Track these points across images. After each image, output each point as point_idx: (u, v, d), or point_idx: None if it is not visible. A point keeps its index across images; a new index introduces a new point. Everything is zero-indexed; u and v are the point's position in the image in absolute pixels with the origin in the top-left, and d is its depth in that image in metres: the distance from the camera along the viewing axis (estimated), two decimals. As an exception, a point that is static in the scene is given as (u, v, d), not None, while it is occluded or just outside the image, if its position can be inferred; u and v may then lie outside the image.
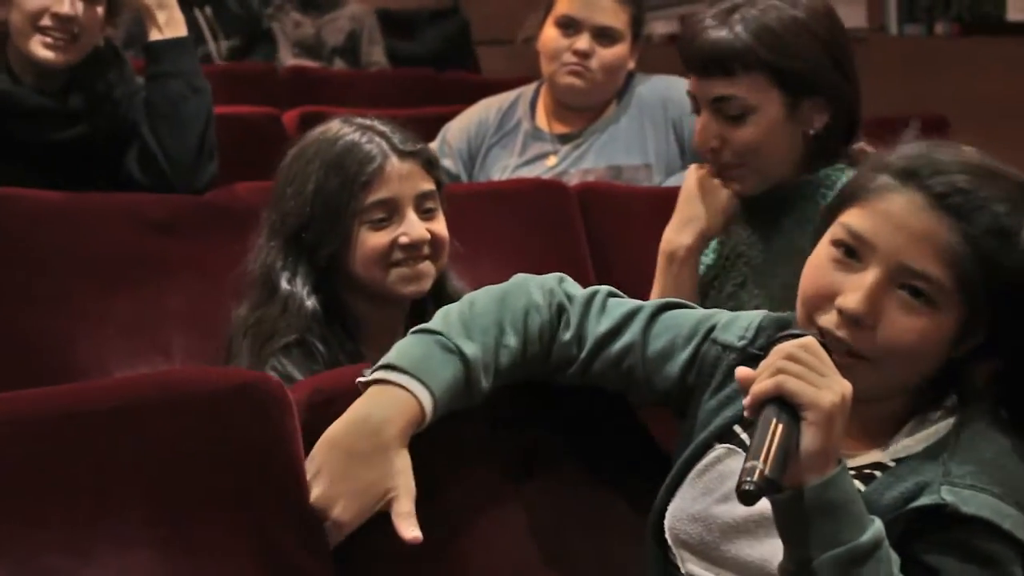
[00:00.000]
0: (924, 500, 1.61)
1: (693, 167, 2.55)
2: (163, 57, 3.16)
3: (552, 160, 3.74)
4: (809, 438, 1.53)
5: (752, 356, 1.81)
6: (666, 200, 2.69)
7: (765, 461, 1.49)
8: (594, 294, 1.99)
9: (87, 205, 2.98)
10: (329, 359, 2.36)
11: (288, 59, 6.85)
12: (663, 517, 1.86)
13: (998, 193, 1.66)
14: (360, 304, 2.45)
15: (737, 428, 1.81)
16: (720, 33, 2.33)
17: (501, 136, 3.80)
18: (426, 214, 2.45)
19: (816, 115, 2.39)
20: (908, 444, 1.70)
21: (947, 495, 1.60)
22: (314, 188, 2.40)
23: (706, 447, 1.82)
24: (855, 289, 1.65)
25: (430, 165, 2.48)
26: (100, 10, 3.10)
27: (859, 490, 1.62)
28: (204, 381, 1.93)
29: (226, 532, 1.86)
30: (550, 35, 3.74)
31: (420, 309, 2.48)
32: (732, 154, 2.38)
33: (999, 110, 6.20)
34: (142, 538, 1.81)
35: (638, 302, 1.98)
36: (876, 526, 1.56)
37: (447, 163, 3.77)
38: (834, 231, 1.71)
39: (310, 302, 2.38)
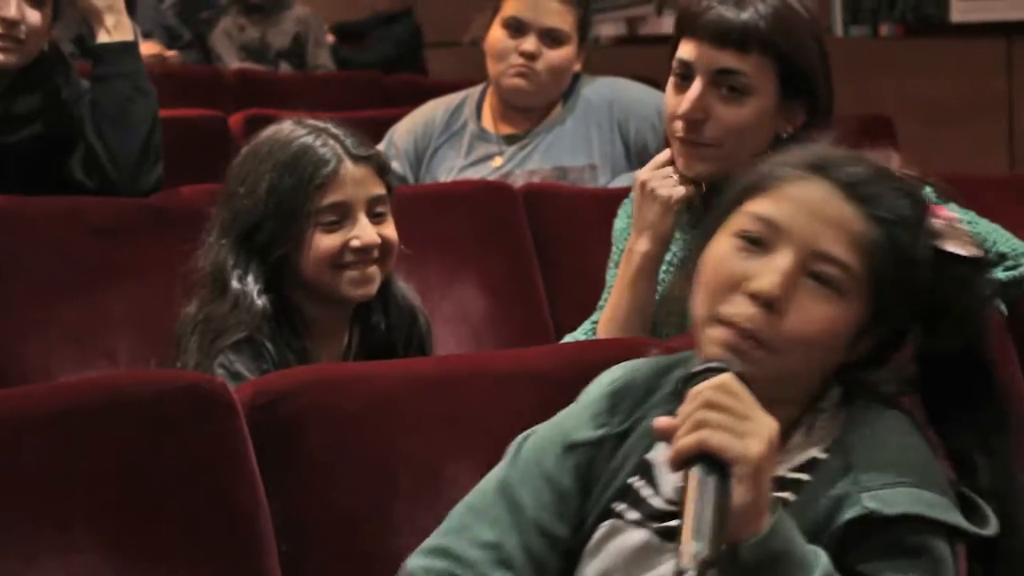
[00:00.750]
0: (849, 514, 1.58)
1: (637, 173, 2.54)
2: (110, 59, 3.15)
3: (498, 161, 3.74)
4: (741, 493, 1.48)
5: (619, 435, 1.75)
6: (611, 201, 2.69)
7: (706, 541, 1.43)
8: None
9: (30, 209, 2.97)
10: (278, 357, 2.37)
11: (233, 63, 6.83)
12: None
13: (898, 187, 1.67)
14: (308, 303, 2.45)
15: (615, 504, 1.72)
16: (743, 9, 2.34)
17: (447, 137, 3.80)
18: (377, 218, 2.45)
19: (794, 118, 2.40)
20: (803, 448, 1.66)
21: (869, 502, 1.58)
22: (267, 188, 2.40)
23: (592, 529, 1.73)
24: (768, 272, 1.61)
25: (382, 170, 2.49)
26: (46, 13, 3.09)
27: None
28: (148, 384, 1.93)
29: (171, 535, 1.85)
30: (497, 36, 3.74)
31: (366, 309, 2.49)
32: (715, 130, 2.36)
33: (942, 110, 6.25)
34: (86, 543, 1.80)
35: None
36: (823, 560, 1.52)
37: (394, 164, 3.76)
38: (738, 222, 1.66)
39: (260, 301, 2.39)
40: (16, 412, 1.84)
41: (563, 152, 3.72)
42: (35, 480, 1.82)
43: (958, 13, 6.37)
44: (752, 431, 1.49)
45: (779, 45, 2.34)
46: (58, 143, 3.15)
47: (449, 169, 3.74)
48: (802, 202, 1.64)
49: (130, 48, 3.19)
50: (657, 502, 1.70)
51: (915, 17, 6.53)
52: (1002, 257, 2.41)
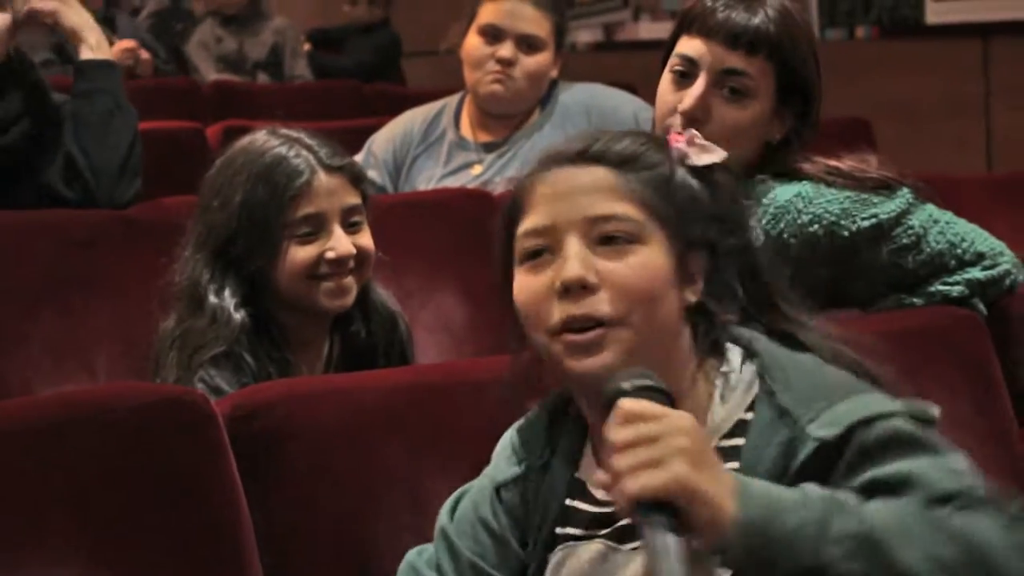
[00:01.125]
0: (805, 451, 1.56)
1: None
2: (93, 75, 3.16)
3: (477, 169, 3.74)
4: (695, 514, 1.44)
5: (541, 467, 1.75)
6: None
7: None
8: None
9: (7, 223, 2.96)
10: (258, 370, 2.36)
11: (211, 74, 6.83)
12: None
13: (616, 136, 1.72)
14: (286, 315, 2.44)
15: (558, 530, 1.72)
16: (755, 15, 2.36)
17: (426, 146, 3.80)
18: (352, 228, 2.44)
19: (784, 125, 2.41)
20: (726, 415, 1.66)
21: (817, 431, 1.57)
22: (241, 201, 2.39)
23: (542, 566, 1.72)
24: (564, 262, 1.64)
25: (356, 179, 2.47)
26: (4, 18, 3.08)
27: None
28: (129, 397, 1.92)
29: (154, 548, 1.85)
30: (473, 43, 3.74)
31: (345, 318, 2.48)
32: (713, 130, 2.36)
33: (919, 111, 6.27)
34: (68, 556, 1.80)
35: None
36: (808, 489, 1.49)
37: (372, 174, 3.76)
38: (519, 249, 1.69)
39: (238, 315, 2.37)
40: (-4, 427, 1.83)
41: (541, 159, 3.72)
42: (16, 494, 1.82)
43: (933, 14, 6.39)
44: (665, 452, 1.45)
45: (784, 51, 2.36)
46: (32, 153, 3.14)
47: (428, 178, 3.74)
48: (551, 192, 1.68)
49: (112, 66, 3.21)
50: (597, 510, 1.70)
51: (891, 19, 6.55)
52: (980, 256, 2.42)
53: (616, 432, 1.48)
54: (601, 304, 1.62)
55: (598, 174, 1.68)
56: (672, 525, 1.43)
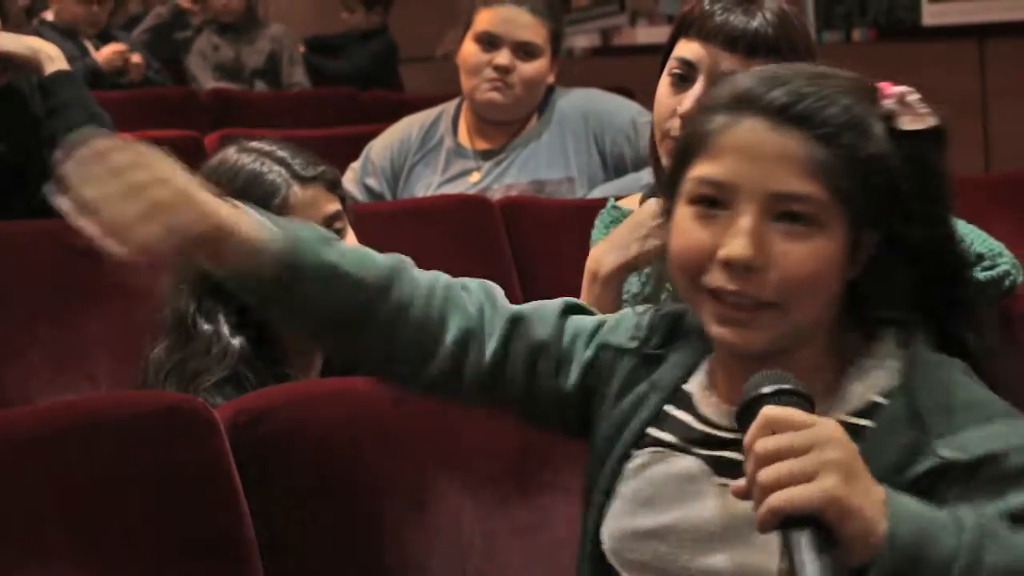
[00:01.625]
0: (924, 465, 1.49)
1: (654, 201, 2.52)
2: (59, 89, 3.15)
3: (475, 176, 3.74)
4: (844, 531, 1.36)
5: (650, 357, 1.70)
6: (589, 212, 2.69)
7: None
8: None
9: (6, 232, 2.96)
10: (260, 387, 2.33)
11: (208, 82, 6.84)
12: (597, 542, 1.69)
13: (837, 88, 1.58)
14: (280, 330, 2.42)
15: (650, 430, 1.66)
16: (752, 16, 2.36)
17: (424, 154, 3.80)
18: (335, 234, 2.42)
19: None
20: (861, 392, 1.58)
21: (944, 450, 1.48)
22: None
23: (623, 458, 1.67)
24: (734, 236, 1.53)
25: (333, 185, 2.44)
26: None
27: None
28: (130, 405, 1.92)
29: (156, 556, 1.85)
30: (470, 50, 3.74)
31: None
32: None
33: (917, 113, 6.27)
34: (69, 565, 1.80)
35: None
36: (961, 514, 1.42)
37: (371, 181, 3.77)
38: (688, 189, 1.58)
39: (236, 341, 2.33)
40: (-2, 436, 1.84)
41: (540, 166, 3.73)
42: (16, 503, 1.82)
43: (930, 16, 6.39)
44: (817, 464, 1.36)
45: (782, 54, 2.36)
46: (27, 162, 3.14)
47: (426, 186, 3.74)
48: (740, 150, 1.55)
49: (74, 76, 3.19)
50: (698, 425, 1.63)
51: (887, 21, 6.55)
52: (980, 257, 2.42)
53: (761, 442, 1.39)
54: (764, 287, 1.53)
55: (795, 144, 1.53)
56: (819, 541, 1.35)
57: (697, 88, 2.37)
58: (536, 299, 1.89)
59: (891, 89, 1.60)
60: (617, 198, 2.66)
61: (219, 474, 1.90)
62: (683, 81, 2.40)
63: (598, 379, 1.73)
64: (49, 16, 6.17)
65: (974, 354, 1.60)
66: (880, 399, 1.56)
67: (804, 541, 1.35)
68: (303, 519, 1.98)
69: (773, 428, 1.39)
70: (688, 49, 2.40)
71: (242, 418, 1.95)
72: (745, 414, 1.43)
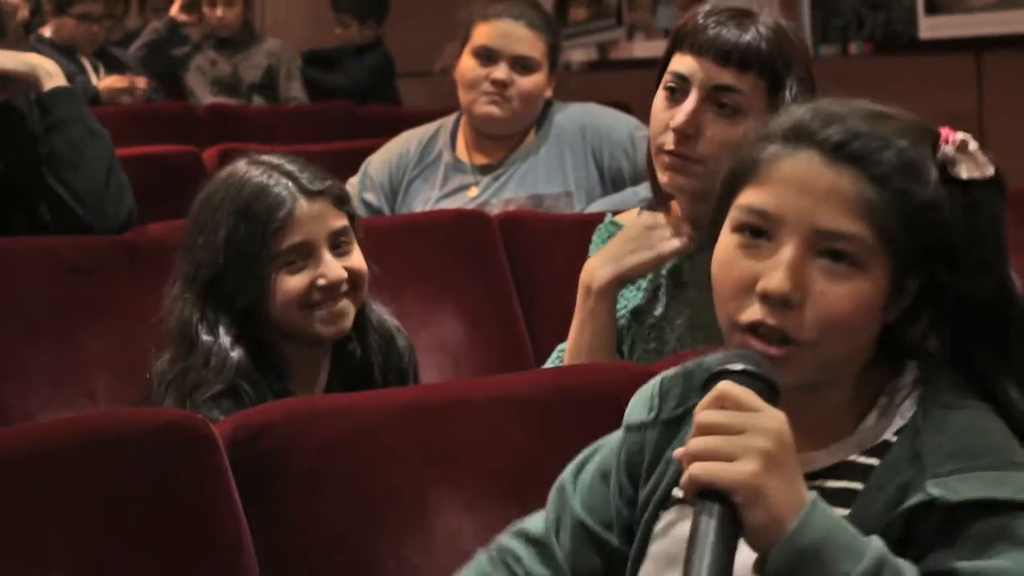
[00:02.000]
0: (911, 501, 1.47)
1: (647, 214, 2.52)
2: (57, 105, 3.14)
3: (473, 191, 3.75)
4: (749, 517, 1.40)
5: (671, 421, 1.68)
6: (587, 226, 2.70)
7: None
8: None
9: (4, 249, 2.96)
10: (258, 400, 2.33)
11: (206, 97, 6.84)
12: None
13: (895, 130, 1.56)
14: (284, 344, 2.42)
15: (676, 491, 1.65)
16: (745, 32, 2.36)
17: (422, 169, 3.80)
18: (341, 249, 2.42)
19: None
20: (875, 431, 1.56)
21: (933, 489, 1.47)
22: (225, 237, 2.36)
23: (653, 519, 1.67)
24: (774, 268, 1.51)
25: (340, 201, 2.44)
26: None
27: (845, 513, 1.51)
28: (129, 422, 1.92)
29: (155, 572, 1.85)
30: (467, 65, 3.75)
31: (342, 340, 2.47)
32: (706, 146, 2.36)
33: (914, 127, 6.27)
34: (70, 582, 1.80)
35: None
36: (873, 546, 1.43)
37: (369, 196, 3.77)
38: (734, 217, 1.56)
39: (235, 353, 2.34)
40: (-3, 453, 1.84)
41: (538, 180, 3.73)
42: (16, 520, 1.82)
43: (927, 30, 6.40)
44: (744, 447, 1.41)
45: (776, 68, 2.36)
46: (26, 179, 3.14)
47: (425, 200, 3.75)
48: (790, 182, 1.53)
49: (72, 92, 3.19)
50: None
51: (884, 35, 6.55)
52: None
53: (704, 413, 1.44)
54: (799, 325, 1.51)
55: (847, 182, 1.51)
56: (724, 518, 1.40)
57: (690, 102, 2.37)
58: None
59: (951, 136, 1.57)
60: (615, 213, 2.66)
61: (218, 490, 1.90)
62: (677, 95, 2.40)
63: (641, 465, 1.70)
64: (47, 33, 6.17)
65: (1007, 401, 1.57)
66: (892, 438, 1.56)
67: (711, 513, 1.39)
68: (302, 535, 1.98)
69: (722, 403, 1.43)
70: (682, 63, 2.40)
71: (241, 434, 1.95)
72: (708, 384, 1.46)
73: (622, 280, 2.45)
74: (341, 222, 2.43)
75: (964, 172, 1.55)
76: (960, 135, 1.57)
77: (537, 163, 3.75)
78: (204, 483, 1.89)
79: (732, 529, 1.40)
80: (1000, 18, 6.17)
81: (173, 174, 4.10)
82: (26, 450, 1.86)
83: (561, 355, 2.51)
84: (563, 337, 2.54)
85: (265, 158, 2.44)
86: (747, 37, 2.36)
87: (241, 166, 2.43)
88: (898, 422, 1.56)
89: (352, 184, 3.79)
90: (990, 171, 1.56)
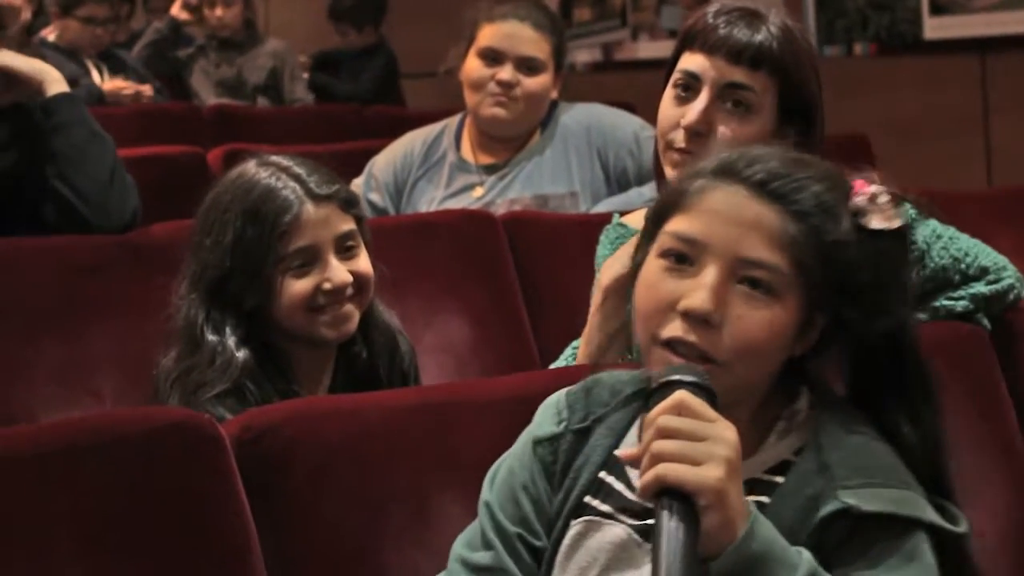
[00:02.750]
0: (826, 509, 1.59)
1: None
2: (61, 109, 3.15)
3: (479, 191, 3.75)
4: (708, 519, 1.50)
5: (580, 432, 1.76)
6: (592, 227, 2.70)
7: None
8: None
9: (9, 249, 2.96)
10: (263, 401, 2.33)
11: (210, 99, 6.84)
12: None
13: (813, 174, 1.66)
14: (289, 345, 2.43)
15: (588, 499, 1.73)
16: (757, 31, 2.36)
17: (426, 169, 3.81)
18: (347, 253, 2.42)
19: (787, 141, 2.40)
20: (776, 452, 1.67)
21: (847, 498, 1.59)
22: (232, 239, 2.36)
23: (565, 528, 1.73)
24: (697, 289, 1.62)
25: (348, 204, 2.44)
26: None
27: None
28: (135, 421, 1.92)
29: (163, 572, 1.85)
30: (473, 66, 3.75)
31: (349, 344, 2.47)
32: (716, 144, 2.36)
33: (919, 127, 6.27)
34: (77, 582, 1.80)
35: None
36: (805, 559, 1.54)
37: (374, 197, 3.77)
38: (662, 243, 1.67)
39: (241, 353, 2.34)
40: (2, 453, 1.83)
41: (543, 180, 3.73)
42: (23, 521, 1.82)
43: (931, 30, 6.39)
44: (709, 453, 1.50)
45: (786, 68, 2.37)
46: (28, 178, 3.14)
47: (430, 200, 3.75)
48: (717, 212, 1.64)
49: (75, 98, 3.20)
50: (631, 495, 1.70)
51: (889, 35, 6.55)
52: (984, 271, 2.42)
53: (666, 418, 1.52)
54: (716, 345, 1.61)
55: (770, 216, 1.63)
56: (685, 518, 1.48)
57: (702, 99, 2.37)
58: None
59: (863, 188, 1.68)
60: (622, 214, 2.66)
61: (225, 490, 1.90)
62: (687, 93, 2.40)
63: (556, 476, 1.76)
64: (51, 36, 6.17)
65: (903, 440, 1.68)
66: (793, 458, 1.66)
67: (673, 510, 1.48)
68: (309, 534, 1.99)
69: (681, 411, 1.52)
70: (692, 61, 2.40)
71: (248, 434, 1.95)
72: (658, 393, 1.55)
73: (626, 281, 2.44)
74: (348, 226, 2.42)
75: (873, 223, 1.66)
76: (872, 188, 1.68)
77: (542, 163, 3.75)
78: (211, 483, 1.89)
79: (693, 529, 1.49)
80: (1005, 19, 6.17)
81: (178, 175, 4.11)
82: (32, 450, 1.86)
83: (575, 352, 2.51)
84: (568, 336, 2.54)
85: (275, 159, 2.44)
86: (759, 36, 2.37)
87: (251, 167, 2.43)
88: (796, 443, 1.67)
89: (357, 184, 3.79)
90: (896, 223, 1.67)
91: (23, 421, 2.75)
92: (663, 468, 1.50)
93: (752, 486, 1.63)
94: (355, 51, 7.52)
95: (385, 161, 3.83)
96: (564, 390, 1.81)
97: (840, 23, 6.72)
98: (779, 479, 1.65)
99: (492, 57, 3.73)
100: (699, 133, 2.37)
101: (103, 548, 1.83)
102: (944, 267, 2.40)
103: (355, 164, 3.96)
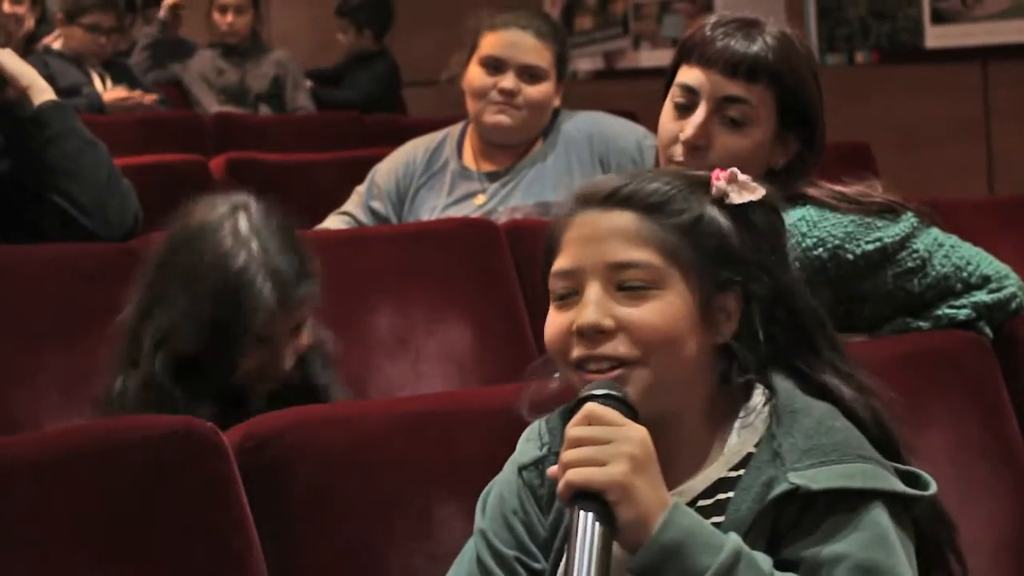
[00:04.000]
0: (776, 491, 1.65)
1: None
2: (51, 119, 3.14)
3: (481, 199, 3.75)
4: (622, 512, 1.58)
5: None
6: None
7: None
8: None
9: (12, 258, 2.96)
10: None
11: (212, 106, 6.84)
12: None
13: (652, 177, 1.77)
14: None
15: None
16: (753, 42, 2.36)
17: (429, 177, 3.81)
18: (295, 337, 2.46)
19: (788, 150, 2.41)
20: (738, 448, 1.73)
21: (795, 479, 1.65)
22: (210, 321, 2.38)
23: (561, 550, 1.76)
24: (582, 307, 1.72)
25: (307, 299, 2.47)
26: None
27: (720, 520, 1.67)
28: (137, 429, 1.93)
29: (164, 580, 1.85)
30: (475, 74, 3.76)
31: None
32: (716, 158, 2.37)
33: (920, 135, 6.28)
34: (79, 589, 1.80)
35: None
36: (730, 540, 1.59)
37: (376, 204, 3.77)
38: (550, 289, 1.78)
39: (204, 410, 2.36)
40: (4, 460, 1.83)
41: (546, 188, 3.74)
42: (26, 529, 1.82)
43: (932, 39, 6.40)
44: (612, 454, 1.59)
45: (784, 78, 2.36)
46: (28, 186, 3.14)
47: (432, 208, 3.75)
48: (579, 236, 1.75)
49: (64, 106, 3.20)
50: None
51: (890, 43, 6.56)
52: (986, 279, 2.43)
53: (574, 429, 1.62)
54: (618, 346, 1.70)
55: (622, 219, 1.74)
56: (600, 516, 1.57)
57: (699, 114, 2.38)
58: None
59: (721, 173, 1.78)
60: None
61: (227, 498, 1.90)
62: (685, 106, 2.41)
63: (544, 498, 1.81)
64: (55, 44, 6.17)
65: (846, 400, 1.76)
66: (753, 449, 1.73)
67: (587, 512, 1.57)
68: (311, 543, 1.99)
69: (589, 420, 1.63)
70: (689, 75, 2.40)
71: (250, 442, 1.96)
72: (575, 408, 1.66)
73: None
74: (299, 315, 2.45)
75: (736, 198, 1.76)
76: (729, 170, 1.78)
77: (545, 171, 3.76)
78: (213, 491, 1.90)
79: (607, 526, 1.58)
80: (1006, 27, 6.18)
81: (180, 183, 4.10)
82: (35, 458, 1.86)
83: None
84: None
85: (244, 229, 2.42)
86: (755, 48, 2.37)
87: (227, 237, 2.41)
88: (755, 436, 1.74)
89: (359, 192, 3.80)
90: (760, 193, 1.78)
91: (26, 428, 2.75)
92: (571, 474, 1.59)
93: (720, 486, 1.71)
94: (354, 59, 7.52)
95: (387, 169, 3.83)
96: (543, 418, 1.87)
97: (841, 32, 6.73)
98: (742, 472, 1.71)
99: (494, 65, 3.73)
100: (697, 147, 2.37)
101: (104, 556, 1.83)
102: (946, 275, 2.40)
103: (356, 172, 3.96)
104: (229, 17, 7.00)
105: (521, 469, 1.83)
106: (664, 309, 1.71)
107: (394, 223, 3.74)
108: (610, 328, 1.70)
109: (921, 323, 2.43)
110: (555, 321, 1.75)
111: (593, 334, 1.71)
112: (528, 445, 1.86)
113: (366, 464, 2.04)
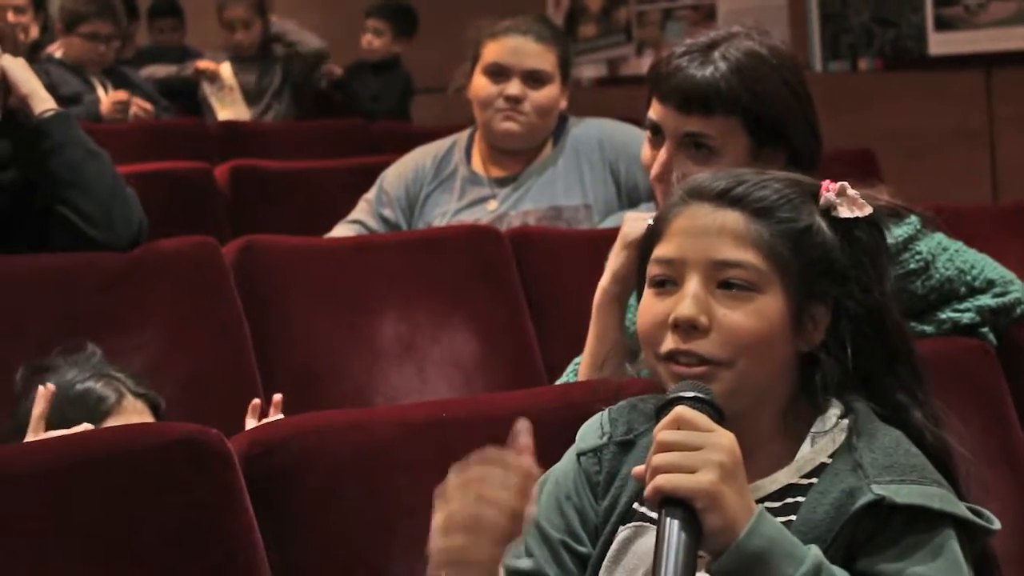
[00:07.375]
0: (861, 501, 1.66)
1: (628, 215, 2.53)
2: (53, 129, 3.14)
3: (493, 204, 3.76)
4: (708, 522, 1.58)
5: (624, 444, 1.85)
6: (600, 241, 2.70)
7: None
8: None
9: (16, 268, 2.96)
10: None
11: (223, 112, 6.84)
12: None
13: (765, 180, 1.79)
14: None
15: (636, 506, 1.81)
16: (705, 71, 2.33)
17: (438, 183, 3.82)
18: None
19: (772, 164, 2.38)
20: (811, 457, 1.75)
21: (880, 491, 1.66)
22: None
23: (614, 532, 1.81)
24: (681, 300, 1.73)
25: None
26: None
27: (791, 520, 1.69)
28: (144, 436, 1.93)
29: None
30: (480, 83, 3.76)
31: None
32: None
33: (924, 142, 6.28)
34: (86, 596, 1.80)
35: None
36: (812, 553, 1.60)
37: (386, 212, 3.78)
38: (649, 273, 1.79)
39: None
40: (12, 468, 1.84)
41: (557, 192, 3.75)
42: (31, 536, 1.82)
43: (936, 46, 6.40)
44: (702, 461, 1.59)
45: (743, 102, 2.32)
46: (32, 195, 3.14)
47: (443, 213, 3.76)
48: (687, 229, 1.77)
49: (66, 116, 3.20)
50: None
51: (894, 51, 6.56)
52: (990, 284, 2.43)
53: (664, 433, 1.62)
54: (709, 345, 1.72)
55: (731, 218, 1.76)
56: (686, 523, 1.57)
57: (664, 152, 2.37)
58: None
59: (831, 184, 1.80)
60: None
61: (233, 505, 1.90)
62: (656, 137, 2.40)
63: (600, 485, 1.85)
64: (57, 53, 6.18)
65: (916, 425, 1.79)
66: (828, 460, 1.75)
67: (674, 518, 1.57)
68: (317, 549, 1.99)
69: (679, 424, 1.63)
70: (654, 111, 2.40)
71: (256, 449, 1.96)
72: (664, 409, 1.65)
73: (607, 288, 2.43)
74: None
75: (844, 212, 1.79)
76: (840, 183, 1.80)
77: (555, 175, 3.77)
78: (219, 498, 1.90)
79: (694, 533, 1.58)
80: (1010, 34, 6.18)
81: (185, 191, 4.12)
82: (41, 465, 1.86)
83: (576, 368, 2.51)
84: (575, 352, 2.54)
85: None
86: (707, 78, 2.33)
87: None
88: (831, 447, 1.75)
89: (368, 200, 3.81)
90: (868, 210, 1.80)
91: (31, 436, 2.75)
92: (660, 479, 1.59)
93: (789, 490, 1.73)
94: (366, 64, 7.51)
95: (396, 175, 3.84)
96: (608, 408, 1.89)
97: (845, 39, 6.73)
98: (815, 480, 1.73)
99: (498, 73, 3.74)
100: (669, 182, 2.35)
101: (110, 563, 1.83)
102: (950, 278, 2.40)
103: (362, 180, 3.97)
104: (238, 34, 7.02)
105: (579, 455, 1.85)
106: (759, 313, 1.73)
107: (404, 229, 3.74)
108: (704, 326, 1.72)
109: (925, 327, 2.43)
110: (652, 309, 1.77)
111: (688, 328, 1.72)
112: (589, 433, 1.87)
113: (372, 471, 2.04)
